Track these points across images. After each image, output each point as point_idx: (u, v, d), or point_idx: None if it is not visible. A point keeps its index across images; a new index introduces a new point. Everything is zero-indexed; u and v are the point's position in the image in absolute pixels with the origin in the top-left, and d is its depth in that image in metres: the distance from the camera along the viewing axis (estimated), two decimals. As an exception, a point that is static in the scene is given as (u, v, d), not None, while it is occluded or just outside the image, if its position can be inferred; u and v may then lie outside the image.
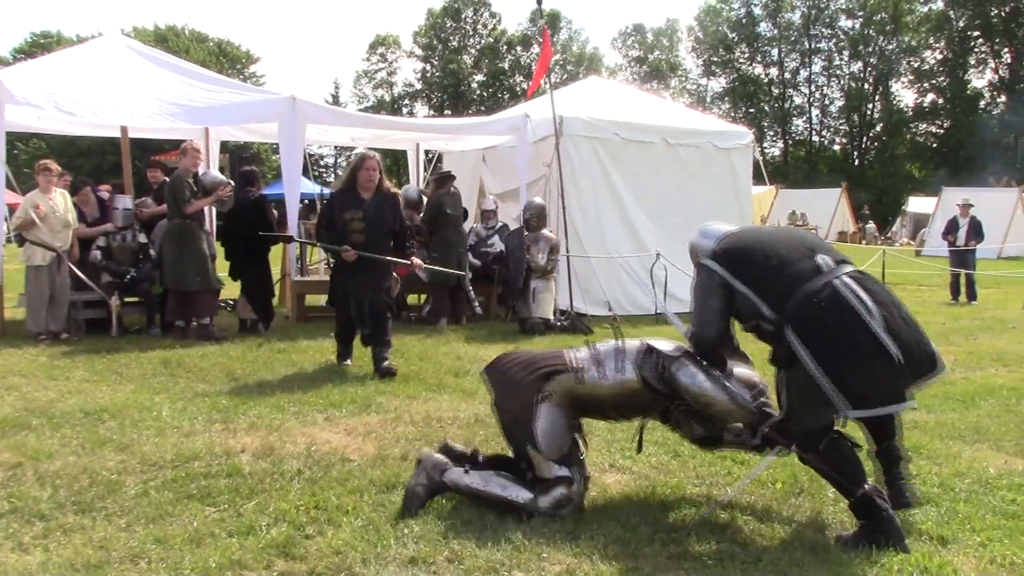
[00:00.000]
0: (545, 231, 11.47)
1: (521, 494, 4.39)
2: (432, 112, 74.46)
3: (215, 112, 11.27)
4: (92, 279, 10.14)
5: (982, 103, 64.80)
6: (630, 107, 14.31)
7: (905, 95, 69.47)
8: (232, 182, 10.42)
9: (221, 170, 12.37)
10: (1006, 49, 63.73)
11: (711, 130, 14.61)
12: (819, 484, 4.66)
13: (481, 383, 7.58)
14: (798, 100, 73.47)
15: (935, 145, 66.04)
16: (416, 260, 8.43)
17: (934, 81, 66.32)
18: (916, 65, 67.01)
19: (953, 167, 54.89)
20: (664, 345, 4.50)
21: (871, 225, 42.27)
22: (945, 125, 65.52)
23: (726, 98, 75.17)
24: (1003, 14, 62.16)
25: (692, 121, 15.21)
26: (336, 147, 55.76)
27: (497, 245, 12.51)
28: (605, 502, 4.62)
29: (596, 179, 12.80)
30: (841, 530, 4.25)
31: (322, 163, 57.65)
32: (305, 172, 13.64)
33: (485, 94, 75.59)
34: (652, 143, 13.34)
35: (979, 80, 65.79)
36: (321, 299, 12.42)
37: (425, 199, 12.32)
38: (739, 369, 4.56)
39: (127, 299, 10.50)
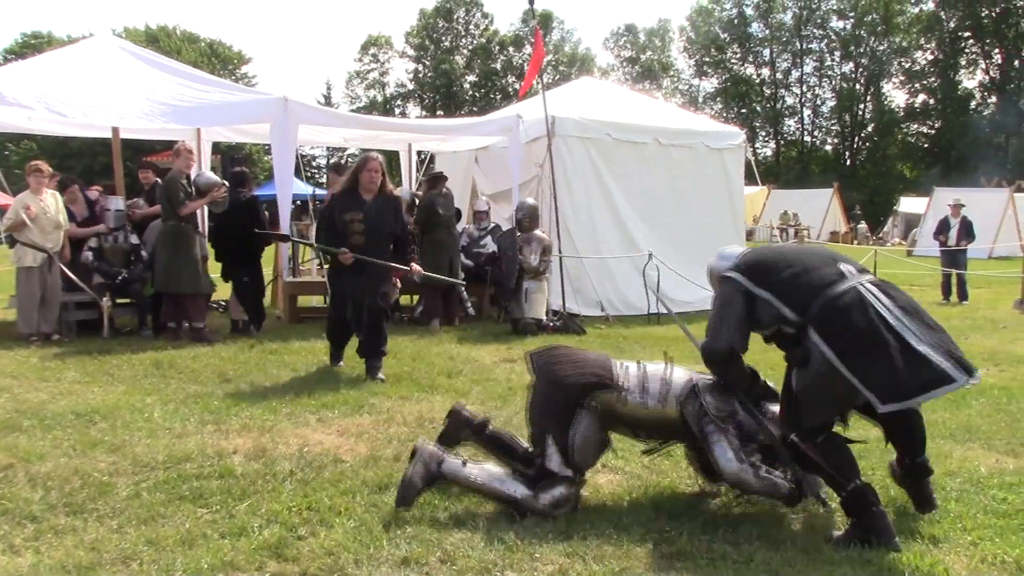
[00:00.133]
0: (537, 232, 11.47)
1: (519, 490, 4.40)
2: (424, 113, 74.44)
3: (207, 113, 11.25)
4: (83, 280, 10.11)
5: (973, 103, 64.99)
6: (622, 107, 14.32)
7: (896, 95, 69.74)
8: (227, 183, 10.39)
9: (213, 171, 12.34)
10: (996, 50, 63.95)
11: (703, 130, 14.63)
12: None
13: (474, 384, 7.63)
14: (790, 100, 73.67)
15: (926, 145, 66.22)
16: (416, 266, 8.29)
17: (925, 82, 66.49)
18: (907, 66, 67.18)
19: (944, 167, 55.03)
20: (709, 397, 4.45)
21: (863, 225, 42.35)
22: (936, 125, 65.72)
23: (718, 98, 75.27)
24: (993, 15, 62.36)
25: (684, 121, 15.24)
26: (328, 148, 55.71)
27: (490, 246, 12.51)
28: (598, 502, 4.63)
29: (588, 179, 12.81)
30: (833, 530, 4.27)
31: (314, 164, 57.52)
32: (297, 173, 13.63)
33: (477, 94, 75.56)
34: (644, 143, 13.34)
35: (970, 81, 66.07)
36: (314, 300, 12.44)
37: (417, 200, 12.30)
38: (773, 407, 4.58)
39: (119, 300, 10.47)
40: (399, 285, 9.25)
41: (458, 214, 12.74)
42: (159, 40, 51.31)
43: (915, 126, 67.92)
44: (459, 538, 4.08)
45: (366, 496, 4.63)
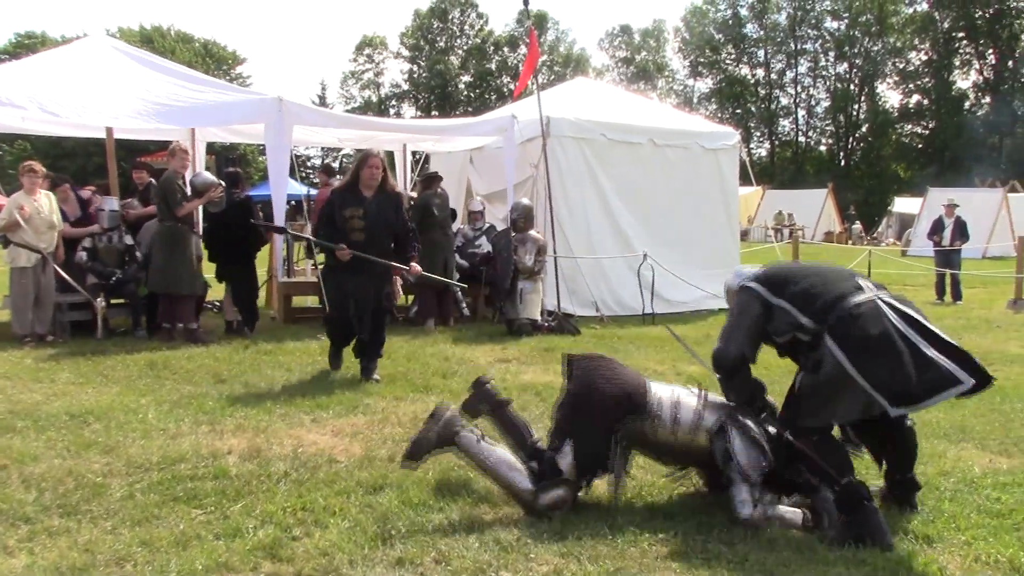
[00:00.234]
0: (532, 232, 11.47)
1: (524, 483, 4.42)
2: (419, 113, 74.45)
3: (201, 113, 11.21)
4: (77, 281, 10.09)
5: (967, 104, 65.16)
6: (617, 108, 14.32)
7: (891, 96, 69.90)
8: (223, 183, 10.37)
9: (207, 171, 12.31)
10: (990, 50, 64.10)
11: (698, 131, 14.64)
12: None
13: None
14: (784, 101, 73.80)
15: (920, 146, 66.36)
16: (415, 266, 8.11)
17: (919, 82, 66.64)
18: (901, 66, 67.34)
19: (938, 168, 55.17)
20: (739, 445, 4.42)
21: (857, 225, 42.42)
22: (930, 126, 65.86)
23: (713, 99, 75.38)
24: (987, 16, 62.51)
25: (679, 122, 15.24)
26: (323, 148, 55.67)
27: (484, 246, 12.51)
28: (592, 502, 4.63)
29: (583, 180, 12.81)
30: (827, 528, 4.28)
31: (309, 164, 57.48)
32: (292, 173, 13.61)
33: (472, 95, 75.57)
34: (639, 144, 13.35)
35: (964, 81, 66.24)
36: (308, 300, 12.42)
37: (412, 200, 12.30)
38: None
39: (113, 301, 10.45)
40: (400, 287, 9.11)
41: (453, 214, 12.74)
42: (153, 40, 51.18)
43: (909, 126, 68.06)
44: (454, 538, 4.08)
45: (361, 496, 4.63)
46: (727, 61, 74.95)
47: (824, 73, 71.54)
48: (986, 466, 5.46)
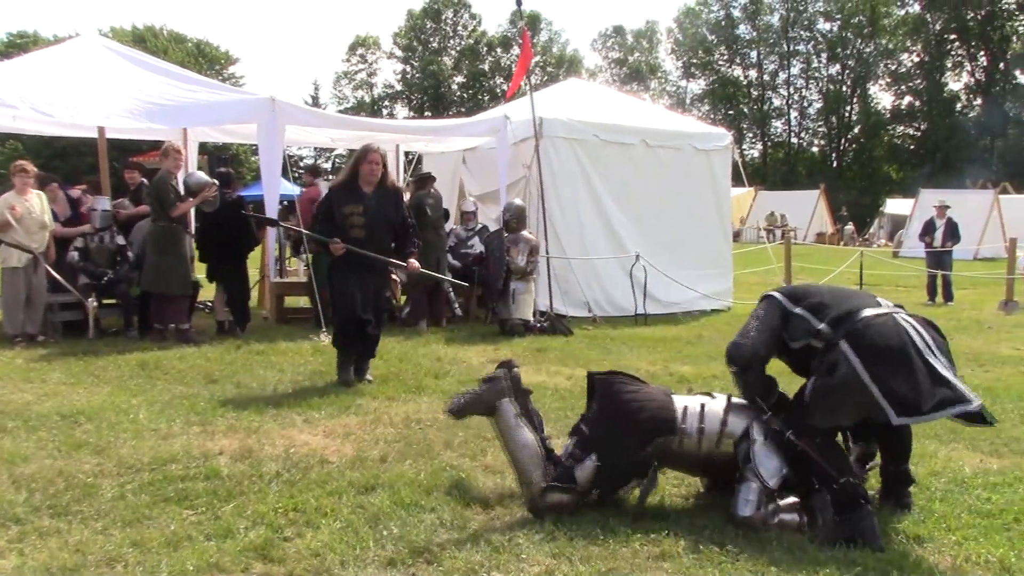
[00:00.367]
0: (525, 232, 11.47)
1: (538, 476, 4.43)
2: (412, 113, 74.35)
3: (193, 112, 11.20)
4: (69, 281, 10.07)
5: (958, 105, 65.34)
6: (610, 109, 14.33)
7: (883, 97, 70.12)
8: (217, 182, 10.35)
9: (199, 171, 12.27)
10: (982, 52, 64.30)
11: (690, 132, 14.66)
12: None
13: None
14: (777, 102, 73.92)
15: (912, 147, 66.52)
16: (413, 262, 7.91)
17: (911, 84, 66.81)
18: (893, 68, 67.48)
19: (930, 169, 55.30)
20: (760, 449, 4.45)
21: (849, 227, 42.50)
22: (922, 127, 66.02)
23: (705, 100, 75.51)
24: (979, 18, 62.70)
25: (671, 123, 15.27)
26: (316, 148, 55.58)
27: (477, 246, 12.51)
28: (584, 502, 4.63)
29: (576, 181, 12.81)
30: (819, 524, 4.29)
31: (301, 164, 57.35)
32: (284, 173, 13.58)
33: (465, 95, 75.54)
34: (632, 145, 13.35)
35: (955, 83, 66.45)
36: (301, 300, 12.39)
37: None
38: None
39: (104, 301, 10.43)
40: (398, 283, 8.90)
41: (446, 214, 12.74)
42: (146, 40, 51.03)
43: (901, 128, 68.24)
44: (445, 539, 4.09)
45: (352, 497, 4.63)
46: (720, 62, 75.08)
47: (816, 74, 71.73)
48: (977, 466, 5.48)
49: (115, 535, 4.09)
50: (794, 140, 73.29)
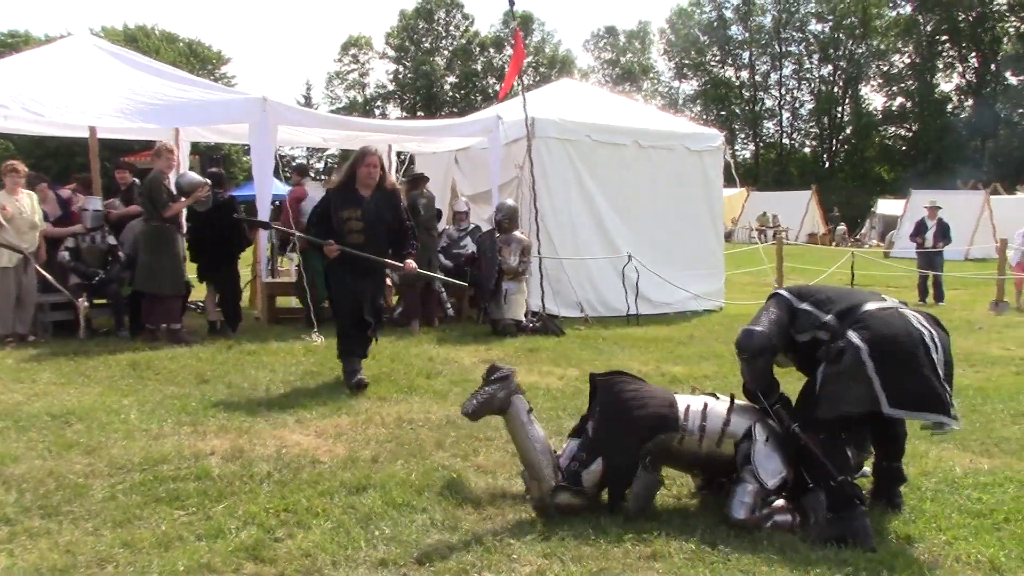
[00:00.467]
0: (517, 233, 11.47)
1: (549, 474, 4.41)
2: (404, 114, 74.32)
3: (185, 112, 11.16)
4: (60, 280, 10.03)
5: (949, 106, 65.56)
6: (602, 109, 14.34)
7: (874, 98, 70.38)
8: (210, 182, 10.33)
9: (191, 171, 12.25)
10: (973, 54, 64.53)
11: (683, 132, 14.67)
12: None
13: (453, 385, 7.63)
14: (769, 103, 74.11)
15: (904, 148, 66.72)
16: (411, 263, 7.74)
17: (902, 85, 67.01)
18: (885, 69, 67.66)
19: (921, 170, 55.48)
20: (760, 449, 4.48)
21: (841, 227, 42.61)
22: (913, 128, 66.22)
23: (698, 100, 75.64)
24: (970, 19, 62.93)
25: (664, 123, 15.27)
26: (308, 148, 55.49)
27: (469, 247, 12.50)
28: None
29: (568, 181, 12.82)
30: (812, 521, 4.31)
31: (293, 164, 57.31)
32: (276, 173, 13.57)
33: (457, 96, 75.53)
34: (624, 145, 13.36)
35: (947, 84, 66.70)
36: (293, 300, 12.37)
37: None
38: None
39: (96, 301, 10.39)
40: (393, 287, 8.67)
41: (439, 215, 12.73)
42: (138, 40, 50.88)
43: (893, 129, 68.42)
44: (437, 539, 4.09)
45: (344, 497, 4.62)
46: (712, 63, 75.20)
47: (808, 75, 71.91)
48: (967, 466, 5.50)
49: (106, 535, 4.08)
50: (786, 141, 73.50)
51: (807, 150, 73.05)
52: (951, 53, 65.63)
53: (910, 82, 66.42)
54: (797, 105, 72.94)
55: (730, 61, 74.53)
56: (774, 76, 73.04)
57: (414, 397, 7.20)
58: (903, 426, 4.74)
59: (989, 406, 7.19)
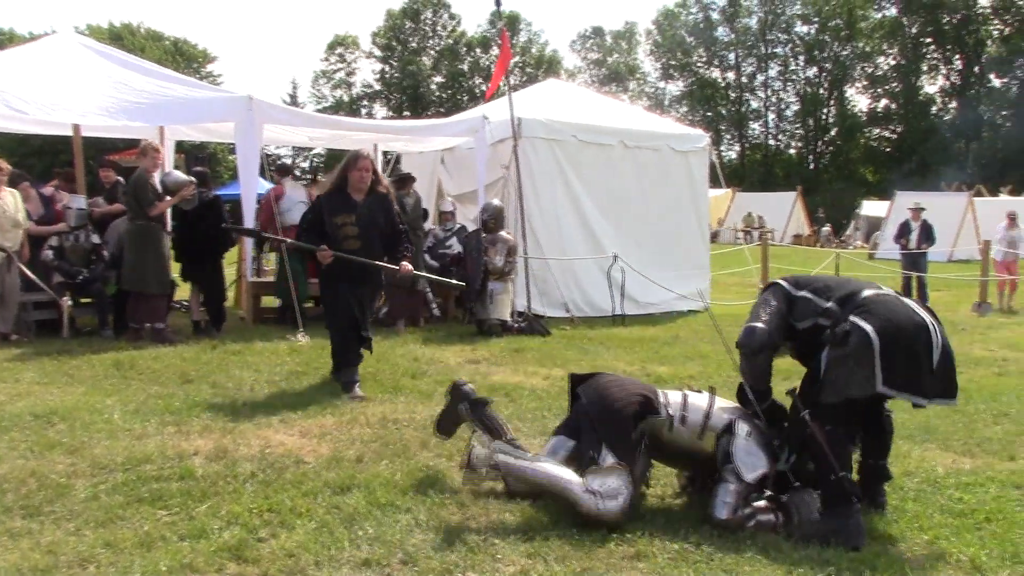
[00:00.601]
0: (503, 233, 11.47)
1: (572, 477, 4.33)
2: (391, 113, 74.16)
3: (170, 111, 11.10)
4: (43, 279, 9.98)
5: (934, 108, 65.94)
6: (588, 109, 14.37)
7: (859, 100, 70.60)
8: (195, 180, 10.29)
9: (176, 169, 12.19)
10: (957, 56, 64.89)
11: (669, 133, 14.72)
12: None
13: (439, 385, 7.62)
14: (755, 104, 74.23)
15: (888, 150, 66.98)
16: (406, 265, 7.55)
17: (887, 87, 67.32)
18: (870, 71, 67.92)
19: (906, 171, 55.74)
20: (740, 444, 4.48)
21: (826, 228, 42.75)
22: (898, 130, 66.53)
23: (684, 101, 75.71)
24: (954, 22, 63.31)
25: (650, 124, 15.32)
26: (293, 148, 55.34)
27: (455, 247, 12.50)
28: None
29: (554, 181, 12.84)
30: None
31: (276, 163, 57.10)
32: (262, 172, 13.53)
33: (444, 95, 75.40)
34: (610, 145, 13.40)
35: (931, 86, 67.05)
36: (279, 300, 12.32)
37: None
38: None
39: (79, 300, 10.33)
40: (382, 294, 8.47)
41: (425, 214, 12.72)
42: (123, 38, 50.62)
43: (877, 130, 68.71)
44: (421, 539, 4.08)
45: (328, 497, 4.61)
46: (698, 64, 75.32)
47: (794, 77, 72.07)
48: (949, 466, 5.54)
49: (88, 536, 4.06)
50: (772, 142, 73.67)
51: (792, 151, 73.25)
52: (935, 55, 66.01)
53: (895, 84, 66.74)
54: (783, 106, 73.20)
55: (716, 62, 74.68)
56: (760, 77, 73.25)
57: (399, 397, 7.19)
58: (890, 424, 4.81)
59: (971, 406, 7.23)
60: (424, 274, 9.17)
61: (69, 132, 11.35)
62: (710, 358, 9.40)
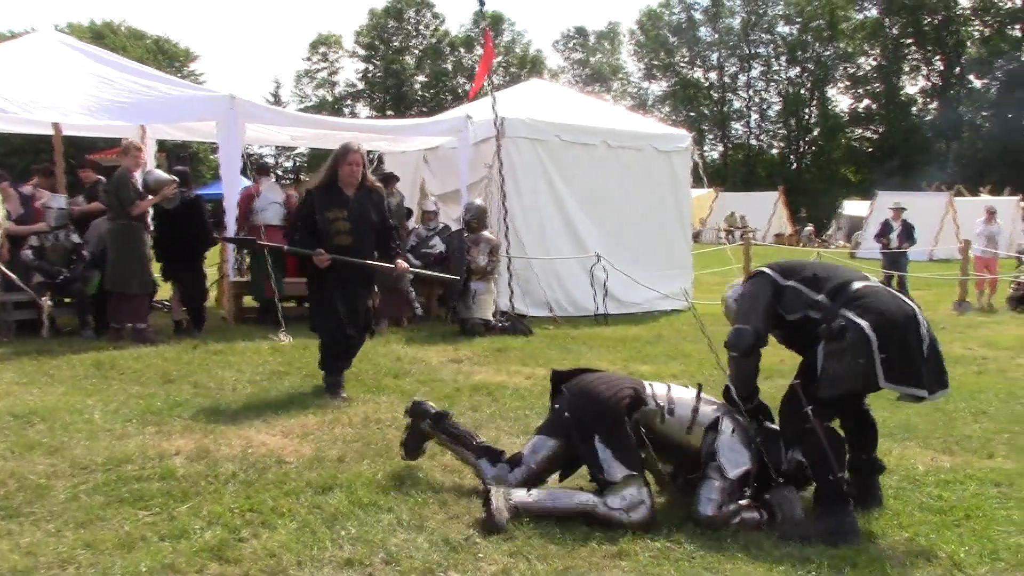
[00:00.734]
0: (485, 232, 11.47)
1: (590, 498, 4.33)
2: (374, 112, 74.00)
3: (152, 109, 11.05)
4: (23, 279, 9.91)
5: (915, 109, 66.40)
6: (572, 109, 14.39)
7: (841, 100, 71.07)
8: (176, 179, 10.24)
9: (158, 168, 12.14)
10: (937, 57, 65.38)
11: (652, 133, 14.76)
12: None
13: (421, 385, 7.62)
14: (737, 104, 74.55)
15: (870, 150, 67.37)
16: (402, 263, 7.46)
17: (869, 87, 67.74)
18: (852, 71, 68.36)
19: (887, 171, 56.07)
20: (725, 441, 4.49)
21: (808, 228, 42.96)
22: (879, 130, 66.93)
23: (667, 101, 75.91)
24: (935, 22, 63.78)
25: (633, 124, 15.36)
26: (276, 147, 55.17)
27: (438, 246, 12.47)
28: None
29: (537, 181, 12.85)
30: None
31: (259, 162, 56.90)
32: (244, 172, 13.48)
33: (427, 95, 75.33)
34: (593, 145, 13.42)
35: (912, 86, 67.56)
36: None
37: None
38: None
39: (60, 300, 10.27)
40: (377, 293, 8.28)
41: (408, 214, 12.70)
42: (104, 36, 50.36)
43: (859, 131, 69.09)
44: (403, 539, 4.08)
45: (310, 497, 4.60)
46: (681, 64, 75.56)
47: (776, 77, 72.44)
48: (929, 464, 5.58)
49: (68, 536, 4.03)
50: (754, 142, 73.98)
51: (775, 151, 73.56)
52: (916, 56, 66.48)
53: (876, 84, 67.18)
54: (765, 107, 73.56)
55: (699, 62, 74.96)
56: (742, 78, 73.58)
57: (381, 397, 7.17)
58: (872, 419, 4.84)
59: (951, 404, 7.28)
60: (422, 271, 9.09)
61: (50, 131, 11.28)
62: (692, 357, 9.44)
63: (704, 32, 74.32)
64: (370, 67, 77.27)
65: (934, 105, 65.14)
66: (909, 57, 66.67)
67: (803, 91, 70.62)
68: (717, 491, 4.34)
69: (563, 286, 12.91)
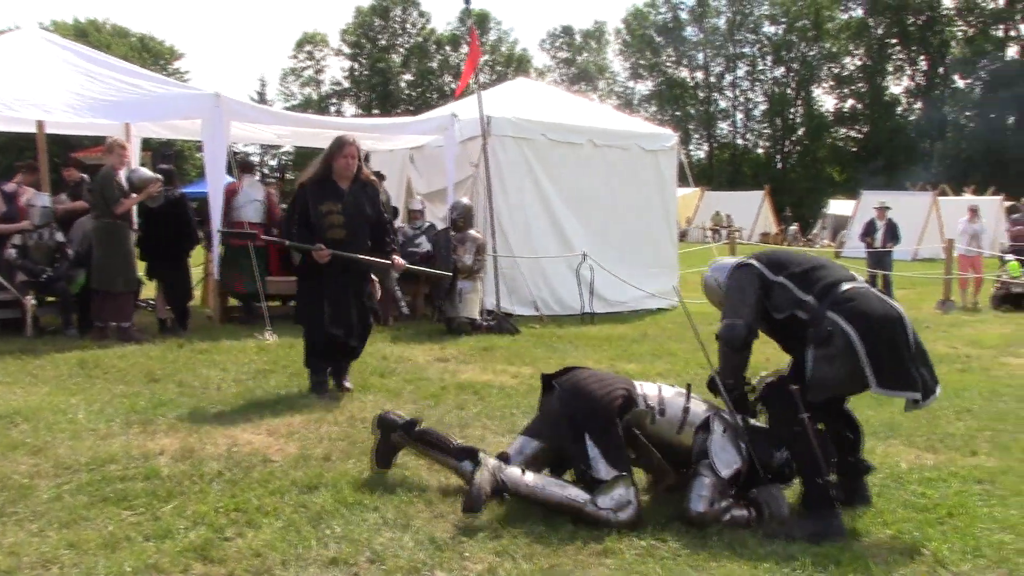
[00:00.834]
0: (472, 231, 11.47)
1: (580, 495, 4.32)
2: (360, 111, 73.83)
3: (136, 107, 11.01)
4: (6, 278, 9.85)
5: (899, 109, 66.68)
6: (558, 108, 14.39)
7: (826, 100, 71.25)
8: (161, 177, 10.20)
9: (143, 166, 12.08)
10: (922, 57, 65.65)
11: (638, 132, 14.78)
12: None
13: (407, 384, 7.61)
14: (723, 104, 74.67)
15: (855, 149, 67.59)
16: (398, 259, 7.36)
17: (854, 87, 67.97)
18: (836, 71, 68.57)
19: (872, 171, 56.29)
20: (717, 440, 4.51)
21: (793, 227, 43.10)
22: (864, 130, 67.19)
23: (653, 101, 75.99)
24: (919, 23, 64.04)
25: (619, 123, 15.37)
26: (262, 145, 55.00)
27: (424, 245, 12.45)
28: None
29: (523, 180, 12.85)
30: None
31: (243, 160, 56.67)
32: (229, 170, 13.43)
33: (413, 93, 75.22)
34: (579, 144, 13.42)
35: (896, 86, 67.80)
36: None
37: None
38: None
39: (44, 298, 10.21)
40: (377, 285, 8.17)
41: (396, 212, 12.68)
42: (88, 34, 50.10)
43: (844, 130, 69.32)
44: (388, 537, 4.07)
45: (295, 496, 4.59)
46: (667, 64, 75.60)
47: (762, 77, 72.57)
48: (912, 462, 5.61)
49: (51, 536, 4.01)
50: (740, 141, 74.12)
51: (760, 151, 73.72)
52: (901, 56, 66.74)
53: (861, 84, 67.41)
54: (750, 106, 73.69)
55: (685, 62, 75.03)
56: (728, 77, 73.68)
57: (367, 395, 7.16)
58: (855, 419, 4.86)
59: (935, 403, 7.28)
60: (416, 267, 9.04)
61: (33, 129, 11.21)
62: (678, 356, 9.46)
63: (690, 32, 74.43)
64: (356, 65, 77.08)
65: (918, 105, 65.41)
66: (894, 57, 66.94)
67: (788, 91, 70.80)
68: (709, 488, 4.36)
69: (549, 285, 12.92)
